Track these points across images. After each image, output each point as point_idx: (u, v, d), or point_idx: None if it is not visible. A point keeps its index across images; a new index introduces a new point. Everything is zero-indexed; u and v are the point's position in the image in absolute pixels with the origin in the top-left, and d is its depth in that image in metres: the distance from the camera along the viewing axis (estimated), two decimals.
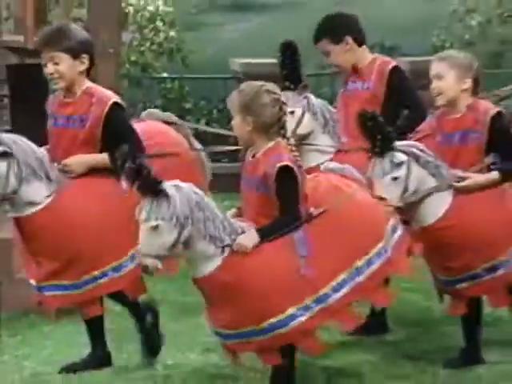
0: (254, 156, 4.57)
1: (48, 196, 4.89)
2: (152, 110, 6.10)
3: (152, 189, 4.21)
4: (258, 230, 4.40)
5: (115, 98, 5.10)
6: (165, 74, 13.93)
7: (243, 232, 4.41)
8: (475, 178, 5.10)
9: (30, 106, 5.67)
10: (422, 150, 5.03)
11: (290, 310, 4.43)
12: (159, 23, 13.89)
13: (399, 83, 5.70)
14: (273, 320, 4.40)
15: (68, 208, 4.90)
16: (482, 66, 5.49)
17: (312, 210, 4.52)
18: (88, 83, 5.11)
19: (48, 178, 4.89)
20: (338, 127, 5.70)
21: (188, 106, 13.15)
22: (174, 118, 5.88)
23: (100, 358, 5.22)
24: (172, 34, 14.12)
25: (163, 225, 4.19)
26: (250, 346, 4.51)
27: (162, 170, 4.66)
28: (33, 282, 5.03)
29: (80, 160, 4.98)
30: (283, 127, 4.58)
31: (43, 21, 7.28)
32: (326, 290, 4.54)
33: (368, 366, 5.20)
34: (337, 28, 5.75)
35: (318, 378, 4.97)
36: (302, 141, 5.44)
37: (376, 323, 5.63)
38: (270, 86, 4.57)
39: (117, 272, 4.97)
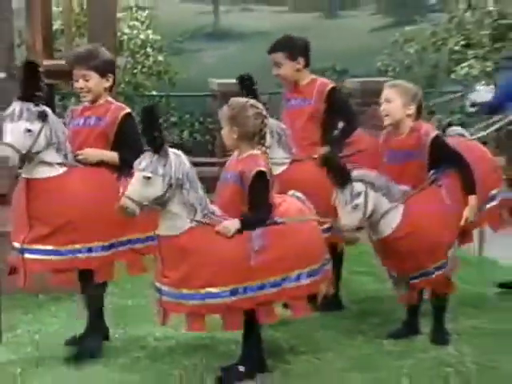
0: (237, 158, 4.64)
1: (60, 166, 4.85)
2: None
3: (156, 146, 4.28)
4: (241, 220, 4.45)
5: (129, 110, 5.15)
6: (154, 92, 13.90)
7: (213, 213, 4.48)
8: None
9: None
10: (375, 176, 5.05)
11: (230, 287, 4.46)
12: (149, 49, 13.84)
13: (337, 101, 5.75)
14: (212, 290, 4.44)
15: (73, 183, 4.86)
16: (419, 87, 5.55)
17: (276, 218, 4.57)
18: (109, 97, 5.14)
19: (65, 156, 4.88)
20: (290, 140, 5.67)
21: (174, 119, 13.17)
22: None
23: (96, 329, 5.19)
24: (160, 58, 14.07)
25: (155, 178, 4.25)
26: (182, 309, 4.51)
27: None
28: (17, 244, 4.89)
29: (94, 152, 4.98)
30: (264, 137, 4.67)
31: (50, 47, 7.30)
32: (263, 282, 4.57)
33: (325, 338, 5.26)
34: (294, 47, 5.77)
35: (284, 349, 5.04)
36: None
37: (332, 302, 5.65)
38: (254, 102, 4.66)
39: (93, 252, 4.90)
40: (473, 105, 6.21)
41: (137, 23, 13.94)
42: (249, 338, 4.64)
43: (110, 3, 7.33)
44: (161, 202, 4.34)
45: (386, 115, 5.27)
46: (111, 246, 4.89)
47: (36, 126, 4.71)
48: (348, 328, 5.47)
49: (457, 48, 14.62)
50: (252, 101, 4.68)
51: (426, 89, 11.07)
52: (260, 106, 4.66)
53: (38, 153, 4.75)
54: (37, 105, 4.73)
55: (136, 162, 4.31)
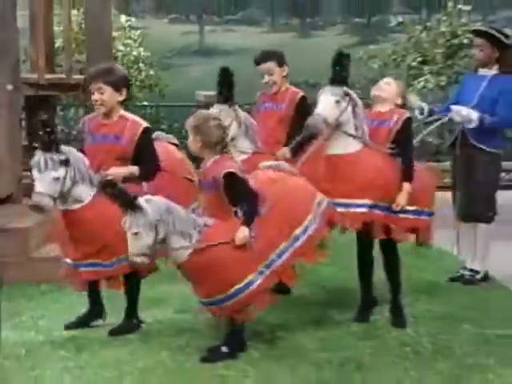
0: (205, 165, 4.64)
1: (90, 196, 4.90)
2: (158, 132, 5.95)
3: (129, 205, 4.27)
4: (243, 223, 4.46)
5: (146, 124, 5.14)
6: (146, 103, 13.93)
7: (206, 224, 4.46)
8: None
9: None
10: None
11: (249, 277, 4.49)
12: (141, 65, 13.83)
13: (304, 109, 5.72)
14: (237, 286, 4.46)
15: (103, 207, 4.82)
16: None
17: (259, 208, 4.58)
18: (122, 111, 5.13)
19: (91, 182, 4.90)
20: (257, 135, 5.74)
21: (163, 127, 13.19)
22: (175, 140, 5.89)
23: (98, 314, 5.29)
24: (151, 72, 14.08)
25: (141, 231, 4.24)
26: (223, 311, 4.58)
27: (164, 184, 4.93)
28: (69, 260, 5.05)
29: (117, 171, 4.94)
30: (226, 146, 4.67)
31: (52, 62, 7.31)
32: (273, 256, 4.60)
33: (299, 323, 5.26)
34: (281, 57, 5.88)
35: (263, 332, 5.03)
36: (232, 141, 5.38)
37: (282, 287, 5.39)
38: (216, 115, 4.73)
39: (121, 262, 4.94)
40: (421, 113, 6.15)
41: (130, 41, 13.93)
42: (235, 323, 4.63)
43: (105, 23, 7.32)
44: (160, 243, 4.33)
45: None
46: None
47: (61, 172, 4.75)
48: (318, 314, 5.46)
49: (414, 64, 14.75)
50: (215, 114, 4.76)
51: None
52: (222, 118, 4.70)
53: (68, 191, 4.81)
54: (58, 152, 4.76)
55: (123, 223, 4.31)
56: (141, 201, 4.31)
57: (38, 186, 4.72)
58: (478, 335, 5.04)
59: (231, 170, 4.52)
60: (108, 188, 4.38)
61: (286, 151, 5.65)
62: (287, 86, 5.96)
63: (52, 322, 5.31)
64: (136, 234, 4.25)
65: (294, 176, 4.94)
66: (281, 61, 5.89)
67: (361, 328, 5.17)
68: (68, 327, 5.18)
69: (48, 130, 4.77)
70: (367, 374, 4.39)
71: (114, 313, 5.27)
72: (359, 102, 5.10)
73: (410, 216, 5.22)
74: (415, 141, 5.92)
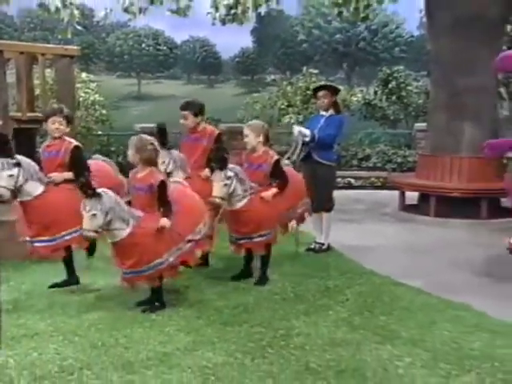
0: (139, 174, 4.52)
1: (39, 190, 4.78)
2: (96, 155, 6.01)
3: (92, 193, 4.15)
4: (163, 216, 4.38)
5: (77, 143, 5.09)
6: (100, 132, 13.73)
7: (139, 216, 4.35)
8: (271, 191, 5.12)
9: (25, 149, 5.46)
10: (239, 171, 4.97)
11: (165, 255, 4.41)
12: (97, 106, 13.60)
13: (220, 141, 5.66)
14: (157, 261, 4.37)
15: (49, 198, 4.78)
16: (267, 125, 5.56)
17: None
18: (66, 136, 5.05)
19: (40, 180, 4.80)
20: (186, 164, 5.54)
21: (113, 148, 13.02)
22: (110, 161, 5.89)
23: (72, 279, 5.14)
24: (104, 111, 13.87)
25: (97, 213, 4.12)
26: (141, 278, 4.43)
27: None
28: (27, 238, 4.90)
29: (59, 175, 4.90)
30: (156, 163, 4.57)
31: (32, 105, 7.12)
32: (182, 243, 4.53)
33: (204, 281, 5.23)
34: (197, 108, 5.63)
35: (178, 291, 4.94)
36: (169, 175, 5.26)
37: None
38: (151, 139, 4.56)
39: (72, 234, 4.84)
40: (304, 135, 6.22)
41: (89, 90, 13.67)
42: (154, 286, 4.54)
43: (70, 78, 7.14)
44: (106, 224, 4.20)
45: (247, 143, 5.26)
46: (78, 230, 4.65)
47: (14, 171, 4.64)
48: (218, 277, 5.40)
49: (282, 107, 15.05)
50: (150, 138, 4.57)
51: None
52: (155, 142, 4.56)
53: (21, 186, 4.70)
54: (12, 158, 4.67)
55: (82, 207, 4.17)
56: (100, 191, 4.20)
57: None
58: (322, 286, 5.11)
59: (163, 180, 4.49)
60: (79, 180, 4.27)
61: (207, 172, 5.43)
62: (204, 125, 5.73)
63: (32, 285, 5.12)
64: (94, 215, 4.11)
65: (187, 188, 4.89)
66: (196, 111, 5.63)
67: (246, 285, 5.16)
68: (51, 287, 5.04)
69: (3, 141, 4.68)
70: (251, 314, 4.41)
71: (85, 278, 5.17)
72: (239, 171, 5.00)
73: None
74: (291, 161, 6.12)
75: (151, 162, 4.51)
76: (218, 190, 4.83)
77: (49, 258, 5.14)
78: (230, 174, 4.85)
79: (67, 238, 4.89)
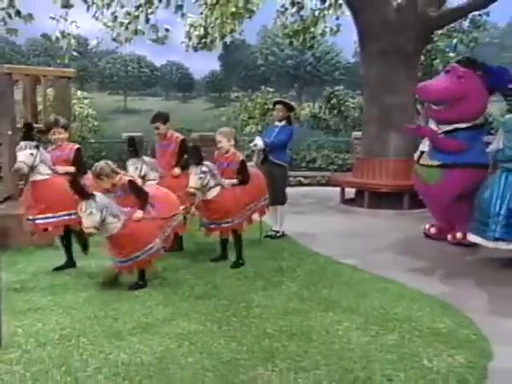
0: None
1: (48, 174, 4.74)
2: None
3: (88, 195, 4.09)
4: (139, 209, 4.34)
5: (79, 146, 5.11)
6: (93, 140, 13.46)
7: (126, 211, 4.29)
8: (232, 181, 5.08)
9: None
10: (213, 167, 4.94)
11: (153, 242, 4.37)
12: (90, 119, 13.47)
13: (185, 146, 5.60)
14: (148, 246, 4.34)
15: (56, 181, 4.75)
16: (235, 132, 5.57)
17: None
18: (67, 142, 5.07)
19: (51, 168, 4.78)
20: (158, 166, 5.47)
21: (103, 154, 12.80)
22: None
23: (70, 263, 5.07)
24: (96, 123, 13.73)
25: (93, 211, 4.05)
26: (134, 265, 4.38)
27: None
28: (31, 216, 4.80)
29: (63, 168, 4.88)
30: (116, 171, 4.47)
31: (36, 118, 6.96)
32: (165, 229, 4.52)
33: (180, 263, 5.16)
34: (164, 118, 5.59)
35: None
36: (145, 177, 5.26)
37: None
38: (110, 163, 4.48)
39: (71, 216, 4.79)
40: (255, 145, 6.26)
41: (83, 105, 13.51)
42: (142, 269, 4.46)
43: (67, 96, 7.00)
44: (102, 220, 4.11)
45: (221, 147, 5.21)
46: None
47: (34, 151, 4.65)
48: (193, 259, 5.34)
49: (244, 118, 15.01)
50: (109, 162, 4.47)
51: None
52: (112, 164, 4.47)
53: (36, 166, 4.69)
54: (33, 141, 4.70)
55: (79, 208, 4.09)
56: (95, 194, 4.13)
57: (20, 157, 4.63)
58: (277, 266, 5.11)
59: (131, 179, 4.52)
60: (73, 185, 4.15)
61: (176, 170, 5.47)
62: (172, 132, 5.70)
63: (36, 268, 5.02)
64: (90, 213, 4.04)
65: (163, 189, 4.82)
66: (165, 120, 5.60)
67: (216, 266, 5.12)
68: (55, 269, 4.94)
69: (29, 128, 4.75)
70: (218, 290, 4.39)
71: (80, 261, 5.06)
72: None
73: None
74: (255, 163, 6.18)
75: (113, 172, 4.44)
76: (193, 181, 4.78)
77: (49, 235, 5.04)
78: (204, 169, 4.81)
79: (66, 218, 4.83)
